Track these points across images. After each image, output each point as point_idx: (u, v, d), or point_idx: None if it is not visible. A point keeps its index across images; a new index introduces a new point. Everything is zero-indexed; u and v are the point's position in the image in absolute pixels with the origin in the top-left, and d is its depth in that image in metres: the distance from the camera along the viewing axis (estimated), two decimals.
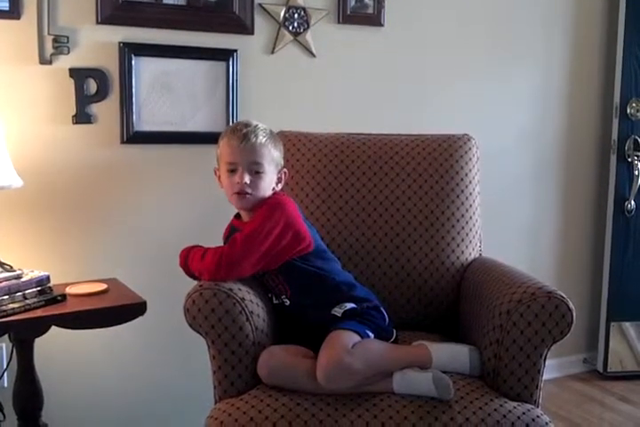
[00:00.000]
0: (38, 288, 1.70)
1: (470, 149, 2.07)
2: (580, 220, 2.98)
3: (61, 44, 1.93)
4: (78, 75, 1.97)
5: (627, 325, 2.91)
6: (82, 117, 1.99)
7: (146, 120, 2.08)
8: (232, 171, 1.65)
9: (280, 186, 1.73)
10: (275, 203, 1.66)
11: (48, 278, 1.73)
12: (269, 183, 1.68)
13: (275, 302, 1.70)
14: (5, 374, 1.91)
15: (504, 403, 1.49)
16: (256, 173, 1.64)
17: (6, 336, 1.76)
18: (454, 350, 1.62)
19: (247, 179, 1.63)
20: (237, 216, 1.75)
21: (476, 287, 1.80)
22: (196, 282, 1.61)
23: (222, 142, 1.68)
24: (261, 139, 1.65)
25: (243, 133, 1.64)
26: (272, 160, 1.68)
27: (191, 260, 1.64)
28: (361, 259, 1.93)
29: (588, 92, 2.91)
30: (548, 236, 2.92)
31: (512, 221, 2.80)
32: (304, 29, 2.28)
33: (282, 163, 1.74)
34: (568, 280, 2.94)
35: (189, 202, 2.18)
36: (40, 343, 1.76)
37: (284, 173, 1.75)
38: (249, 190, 1.63)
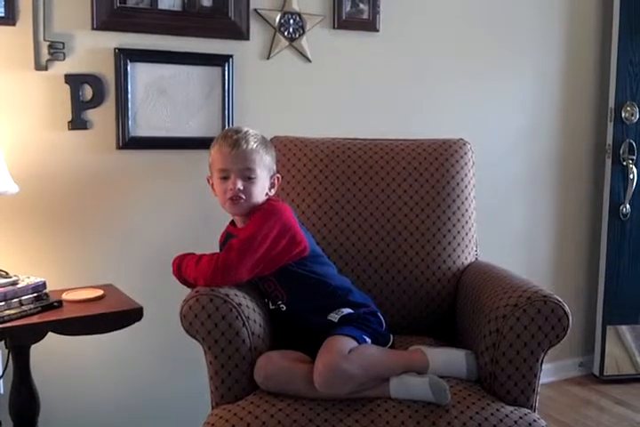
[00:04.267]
0: (35, 294, 1.69)
1: (466, 153, 2.07)
2: (575, 223, 2.99)
3: (57, 50, 1.93)
4: (74, 81, 1.97)
5: (623, 328, 2.91)
6: (77, 123, 1.99)
7: (141, 126, 2.08)
8: (225, 178, 1.65)
9: (273, 191, 1.73)
10: (270, 208, 1.66)
11: (44, 285, 1.73)
12: (262, 189, 1.68)
13: (271, 307, 1.70)
14: (1, 380, 1.90)
15: (501, 407, 1.49)
16: (248, 178, 1.64)
17: (2, 343, 1.76)
18: (451, 354, 1.62)
19: (240, 185, 1.63)
20: (233, 223, 1.75)
21: (473, 292, 1.80)
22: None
23: (214, 150, 1.69)
24: (252, 145, 1.65)
25: (233, 140, 1.64)
26: (264, 166, 1.68)
27: (185, 267, 1.63)
28: (357, 264, 1.93)
29: (583, 97, 2.92)
30: (544, 239, 2.93)
31: (508, 226, 2.81)
32: (299, 35, 2.29)
33: (274, 168, 1.74)
34: (564, 284, 2.94)
35: (186, 207, 2.18)
36: (37, 350, 1.76)
37: (277, 178, 1.75)
38: (242, 196, 1.63)
